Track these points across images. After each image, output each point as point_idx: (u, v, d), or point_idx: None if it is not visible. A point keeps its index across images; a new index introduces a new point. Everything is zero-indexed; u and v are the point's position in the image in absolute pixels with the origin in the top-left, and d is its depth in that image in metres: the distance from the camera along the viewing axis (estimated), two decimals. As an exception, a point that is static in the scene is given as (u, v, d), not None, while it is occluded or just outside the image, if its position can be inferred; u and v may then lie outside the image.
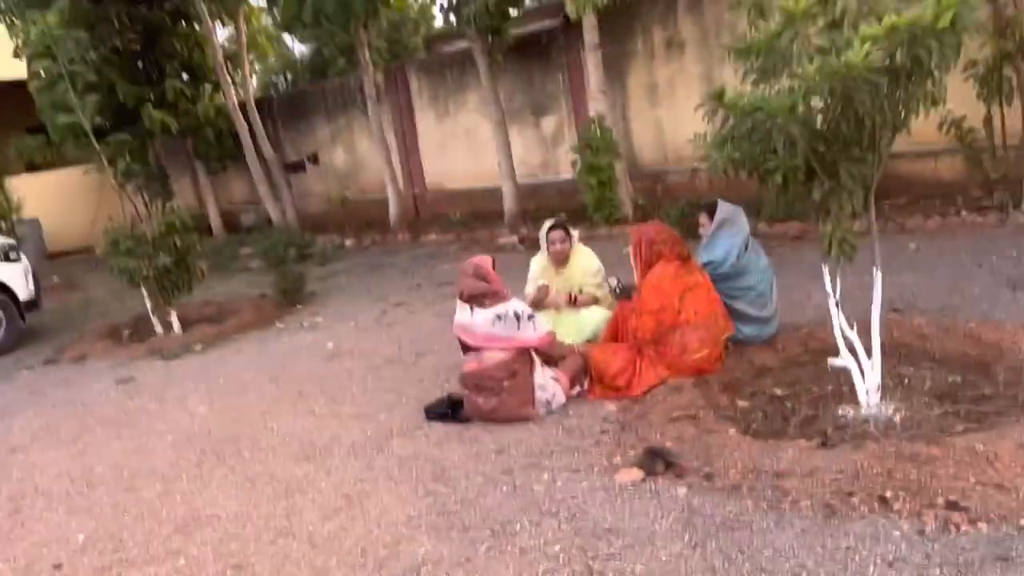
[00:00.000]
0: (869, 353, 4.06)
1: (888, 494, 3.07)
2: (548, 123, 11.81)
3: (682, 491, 3.45)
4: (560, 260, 5.63)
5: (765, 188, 3.94)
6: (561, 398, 4.58)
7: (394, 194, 12.54)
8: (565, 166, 11.35)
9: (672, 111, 10.40)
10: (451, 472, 4.01)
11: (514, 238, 10.27)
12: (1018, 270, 5.88)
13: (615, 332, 5.10)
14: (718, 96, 3.90)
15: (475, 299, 4.57)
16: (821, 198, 3.76)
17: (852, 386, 4.36)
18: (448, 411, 4.73)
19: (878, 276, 4.00)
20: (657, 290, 4.60)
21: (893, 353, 4.47)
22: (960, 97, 7.57)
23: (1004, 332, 4.50)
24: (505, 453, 4.13)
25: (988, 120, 7.30)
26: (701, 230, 5.09)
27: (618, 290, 5.14)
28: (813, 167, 3.70)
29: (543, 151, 11.93)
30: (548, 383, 4.54)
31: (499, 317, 4.49)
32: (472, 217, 12.21)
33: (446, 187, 13.16)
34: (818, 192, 3.73)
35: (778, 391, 4.53)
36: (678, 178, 10.53)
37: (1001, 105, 7.15)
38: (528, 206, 11.29)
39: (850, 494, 3.15)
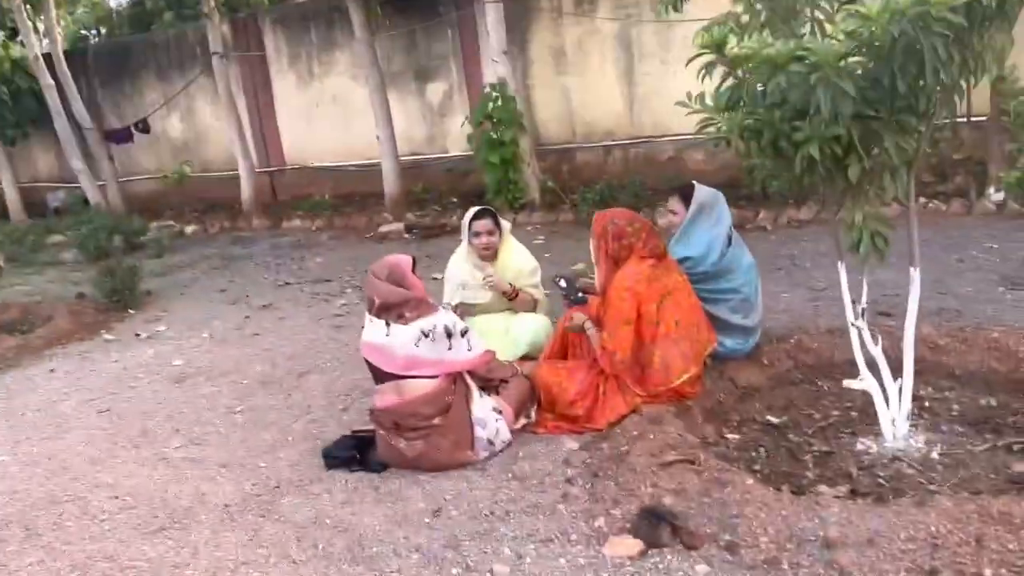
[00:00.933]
0: (892, 373, 3.60)
1: (988, 573, 2.55)
2: (435, 90, 11.04)
3: (701, 570, 2.83)
4: (488, 257, 4.93)
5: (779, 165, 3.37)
6: (506, 435, 3.89)
7: (247, 171, 11.43)
8: (456, 141, 10.68)
9: (582, 78, 9.87)
10: (372, 546, 3.25)
11: (399, 225, 9.48)
12: (1007, 265, 5.65)
13: (562, 346, 4.45)
14: (717, 45, 3.34)
15: (391, 311, 3.80)
16: (859, 178, 3.21)
17: (864, 412, 3.92)
18: (355, 455, 3.94)
19: (916, 276, 3.53)
20: (632, 294, 3.96)
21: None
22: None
23: (1033, 341, 4.15)
24: (443, 515, 3.41)
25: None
26: (670, 219, 4.50)
27: (568, 292, 4.48)
28: (851, 139, 3.15)
29: (429, 123, 11.16)
30: (489, 417, 3.83)
31: (425, 334, 3.74)
32: (344, 200, 11.32)
33: (311, 164, 12.14)
34: (856, 170, 3.18)
35: (772, 419, 4.05)
36: (588, 157, 10.03)
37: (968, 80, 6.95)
38: (412, 187, 10.50)
39: (933, 573, 2.61)
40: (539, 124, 10.21)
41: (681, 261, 4.27)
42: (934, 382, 4.12)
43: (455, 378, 3.83)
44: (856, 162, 3.19)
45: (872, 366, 3.64)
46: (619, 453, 3.62)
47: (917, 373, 4.14)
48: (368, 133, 10.52)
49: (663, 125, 9.51)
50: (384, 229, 9.46)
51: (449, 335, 3.77)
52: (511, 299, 4.91)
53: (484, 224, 4.89)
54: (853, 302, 3.67)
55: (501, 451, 3.86)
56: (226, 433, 4.56)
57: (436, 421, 3.73)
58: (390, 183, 10.22)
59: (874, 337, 3.66)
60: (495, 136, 8.94)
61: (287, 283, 8.07)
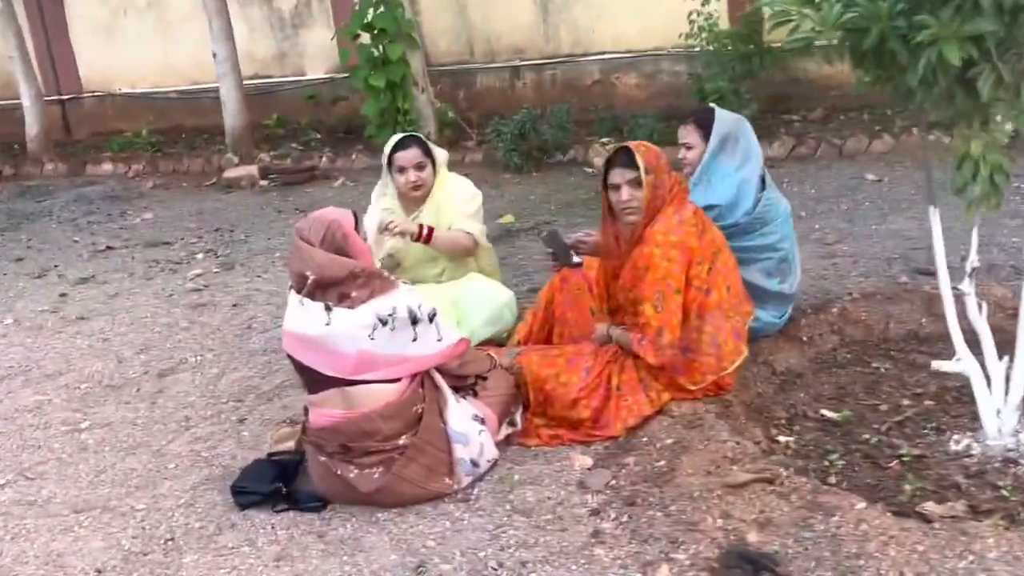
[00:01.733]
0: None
1: None
2: (286, -5, 10.24)
3: (832, 638, 2.45)
4: (417, 199, 4.41)
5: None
6: (492, 451, 3.41)
7: (32, 100, 10.29)
8: (317, 60, 10.03)
9: (481, -18, 9.34)
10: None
11: (251, 169, 8.72)
12: None
13: (545, 322, 3.99)
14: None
15: (332, 290, 3.23)
16: (992, 94, 2.86)
17: (945, 400, 3.66)
18: (280, 488, 3.37)
19: None
20: (683, 251, 3.52)
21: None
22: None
23: None
24: (431, 573, 2.90)
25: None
26: (684, 155, 4.08)
27: (557, 252, 4.01)
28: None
29: (279, 37, 10.36)
30: (471, 429, 3.34)
31: (382, 322, 3.20)
32: (167, 137, 10.40)
33: (117, 90, 11.10)
34: (990, 82, 2.82)
35: (829, 413, 3.71)
36: (491, 80, 9.52)
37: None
38: (263, 120, 9.72)
39: None
40: (427, 39, 9.58)
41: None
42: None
43: (422, 380, 3.31)
44: (990, 71, 2.83)
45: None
46: (658, 471, 3.20)
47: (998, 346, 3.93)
48: (196, 48, 9.73)
49: (586, 41, 9.12)
50: (232, 174, 8.68)
51: (414, 321, 3.24)
52: (424, 241, 4.35)
53: (411, 155, 4.36)
54: (962, 259, 3.35)
55: (485, 473, 3.38)
56: (72, 461, 3.91)
57: (402, 441, 3.21)
58: (232, 114, 9.38)
59: (979, 306, 3.36)
60: (377, 53, 8.29)
61: (109, 247, 7.26)
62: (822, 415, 3.70)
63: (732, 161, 3.95)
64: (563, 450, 3.51)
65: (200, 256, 6.70)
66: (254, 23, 10.23)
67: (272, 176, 8.61)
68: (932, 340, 4.09)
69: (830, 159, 7.15)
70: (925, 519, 2.82)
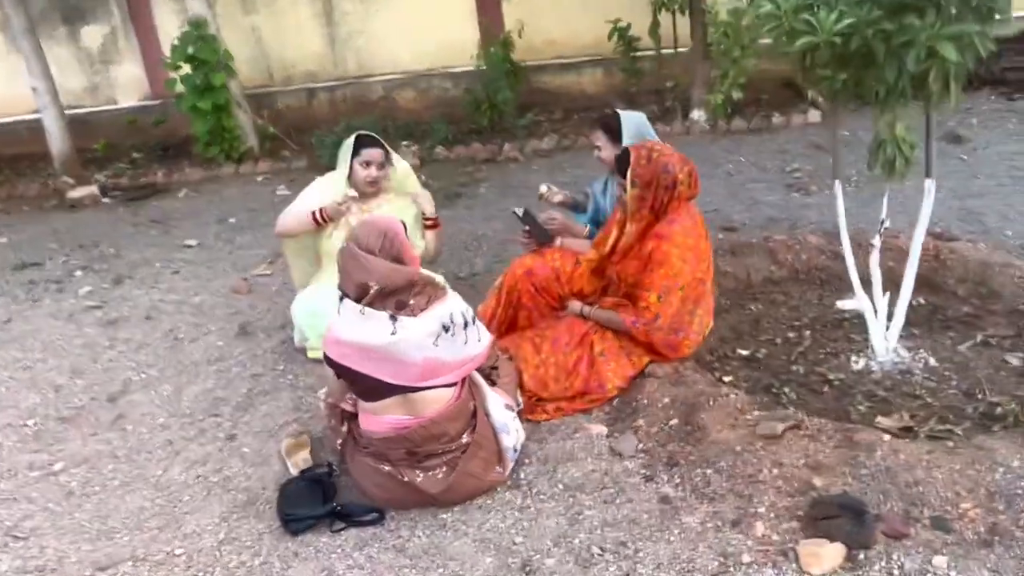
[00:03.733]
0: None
1: None
2: (92, 34, 8.25)
3: (940, 562, 2.00)
4: (369, 195, 3.48)
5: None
6: (522, 435, 2.65)
7: None
8: (126, 91, 8.26)
9: (274, 18, 7.98)
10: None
11: (92, 189, 6.94)
12: (770, 174, 5.46)
13: (508, 305, 3.24)
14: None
15: (390, 299, 2.31)
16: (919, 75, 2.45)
17: (824, 331, 3.36)
18: (336, 507, 2.44)
19: (931, 186, 2.91)
20: (696, 255, 2.89)
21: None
22: (626, 4, 6.98)
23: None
24: (540, 571, 2.15)
25: (655, 27, 6.75)
26: (600, 156, 3.43)
27: (532, 229, 3.27)
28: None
29: (88, 72, 8.36)
30: (507, 418, 2.58)
31: (445, 328, 2.34)
32: (-9, 165, 8.13)
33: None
34: (940, 74, 2.42)
35: (743, 351, 3.28)
36: (290, 100, 8.22)
37: (674, 13, 6.64)
38: (90, 145, 7.83)
39: None
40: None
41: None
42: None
43: (466, 379, 2.49)
44: (940, 64, 2.43)
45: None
46: (687, 431, 2.60)
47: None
48: (5, 84, 7.59)
49: (369, 65, 8.08)
50: (75, 195, 6.85)
51: (465, 324, 2.40)
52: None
53: (378, 154, 3.46)
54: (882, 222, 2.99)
55: (519, 458, 2.63)
56: (63, 510, 2.71)
57: (465, 439, 2.39)
58: (58, 141, 7.40)
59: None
60: (199, 81, 6.81)
61: (-29, 274, 5.42)
62: (739, 353, 3.26)
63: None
64: (569, 421, 2.83)
65: (79, 273, 5.14)
66: (64, 61, 8.16)
67: (114, 194, 6.91)
68: (785, 282, 3.77)
69: (587, 147, 6.69)
70: (937, 439, 2.45)
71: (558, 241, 3.30)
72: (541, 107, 7.77)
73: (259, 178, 6.96)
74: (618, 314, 2.92)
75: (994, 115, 6.10)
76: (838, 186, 2.99)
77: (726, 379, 3.05)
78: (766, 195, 5.11)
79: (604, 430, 2.73)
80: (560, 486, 2.48)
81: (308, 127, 7.85)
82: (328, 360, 2.40)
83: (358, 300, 2.29)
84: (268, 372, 3.51)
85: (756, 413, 2.59)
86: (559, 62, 7.88)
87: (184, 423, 3.15)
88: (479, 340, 2.47)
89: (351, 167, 3.46)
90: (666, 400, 2.76)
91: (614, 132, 3.32)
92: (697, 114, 6.82)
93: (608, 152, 3.36)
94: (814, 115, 6.57)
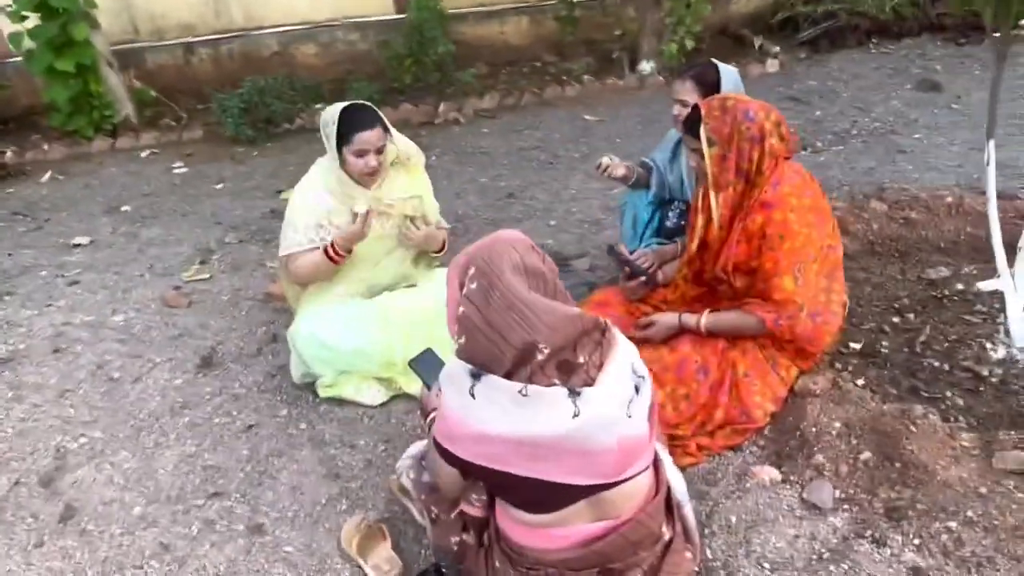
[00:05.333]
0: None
1: None
2: None
3: None
4: (370, 184, 2.64)
5: None
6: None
7: None
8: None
9: (136, -42, 6.62)
10: None
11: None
12: None
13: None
14: None
15: (554, 360, 1.53)
16: None
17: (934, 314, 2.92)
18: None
19: (992, 148, 2.49)
20: (819, 216, 2.28)
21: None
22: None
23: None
24: None
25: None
26: (681, 113, 2.75)
27: (630, 267, 2.55)
28: None
29: None
30: (682, 484, 1.90)
31: (636, 389, 1.61)
32: None
33: None
34: None
35: (856, 345, 2.77)
36: (164, 58, 6.89)
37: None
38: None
39: None
40: (82, 19, 6.65)
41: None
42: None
43: (650, 448, 1.79)
44: None
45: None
46: (895, 469, 2.05)
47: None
48: None
49: (258, 15, 6.90)
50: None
51: (643, 377, 1.68)
52: (438, 251, 2.77)
53: (375, 136, 2.58)
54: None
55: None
56: None
57: (667, 534, 1.70)
58: None
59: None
60: (54, 35, 5.47)
61: None
62: (852, 348, 2.75)
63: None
64: (723, 464, 2.22)
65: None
66: None
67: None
68: (860, 256, 3.29)
69: (535, 106, 6.01)
70: None
71: (660, 275, 2.63)
72: (461, 61, 6.93)
73: (143, 153, 5.74)
74: (750, 312, 2.29)
75: (952, 61, 5.95)
76: (991, 146, 2.51)
77: (858, 382, 2.53)
78: None
79: (777, 474, 2.14)
80: (767, 565, 1.87)
81: (188, 89, 6.67)
82: (455, 461, 1.62)
83: (511, 374, 1.53)
84: (268, 421, 2.65)
85: (965, 435, 2.08)
86: (479, 10, 7.06)
87: (176, 513, 2.25)
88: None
89: (342, 156, 2.60)
90: (839, 426, 2.21)
91: (710, 86, 2.66)
92: (647, 66, 6.27)
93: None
94: (772, 65, 6.18)
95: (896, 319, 2.91)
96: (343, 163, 2.62)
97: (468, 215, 4.22)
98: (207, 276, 3.79)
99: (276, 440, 2.54)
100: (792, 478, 2.12)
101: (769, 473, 2.13)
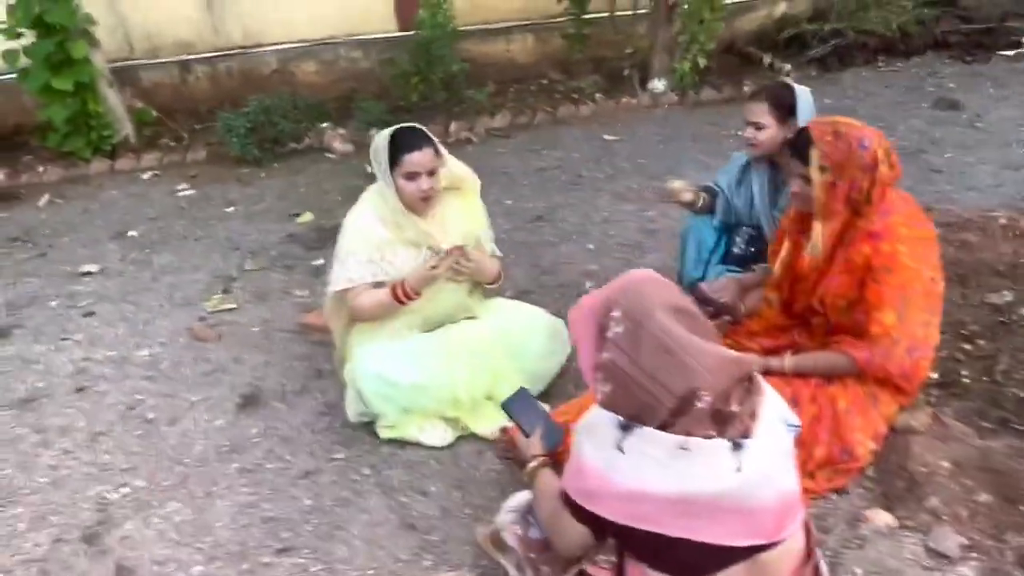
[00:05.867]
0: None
1: None
2: None
3: None
4: (425, 209, 2.53)
5: None
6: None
7: None
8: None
9: (133, -26, 6.42)
10: None
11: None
12: None
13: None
14: None
15: (708, 410, 1.40)
16: None
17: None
18: None
19: None
20: (929, 248, 2.17)
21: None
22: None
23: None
24: None
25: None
26: (755, 136, 2.65)
27: (714, 306, 2.43)
28: None
29: None
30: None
31: (790, 440, 1.48)
32: None
33: None
34: None
35: (933, 375, 2.68)
36: (159, 76, 6.69)
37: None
38: None
39: None
40: (74, 36, 6.44)
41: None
42: None
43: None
44: None
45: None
46: (1004, 511, 1.94)
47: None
48: None
49: (258, 32, 6.73)
50: None
51: (795, 425, 1.56)
52: (494, 281, 2.64)
53: (426, 159, 2.45)
54: None
55: None
56: None
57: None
58: None
59: None
60: (52, 52, 5.27)
61: None
62: (931, 378, 2.66)
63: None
64: (830, 509, 2.09)
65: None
66: None
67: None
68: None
69: (549, 125, 5.91)
70: None
71: (742, 307, 2.51)
72: (466, 79, 6.81)
73: (144, 175, 5.53)
74: (841, 351, 2.18)
75: (964, 79, 5.96)
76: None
77: (943, 415, 2.44)
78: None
79: (891, 519, 2.02)
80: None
81: (184, 109, 6.49)
82: (591, 520, 1.48)
83: (666, 425, 1.38)
84: (326, 466, 2.48)
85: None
86: (484, 28, 6.95)
87: (242, 572, 2.07)
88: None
89: (395, 182, 2.46)
90: (947, 465, 2.11)
91: (786, 108, 2.58)
92: (658, 84, 6.20)
93: (772, 133, 2.61)
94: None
95: (968, 346, 2.84)
96: (397, 190, 2.48)
97: (499, 238, 4.04)
98: (233, 306, 3.61)
99: (339, 487, 2.37)
100: (909, 523, 2.00)
101: (883, 518, 2.02)
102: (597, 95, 6.19)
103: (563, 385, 2.72)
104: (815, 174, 2.08)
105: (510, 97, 6.49)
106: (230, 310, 3.58)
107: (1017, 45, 6.54)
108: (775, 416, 1.46)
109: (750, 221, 2.81)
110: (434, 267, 2.42)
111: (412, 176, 2.43)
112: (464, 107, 6.11)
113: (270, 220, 4.61)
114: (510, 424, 2.10)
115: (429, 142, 2.46)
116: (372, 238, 2.50)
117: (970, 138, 4.84)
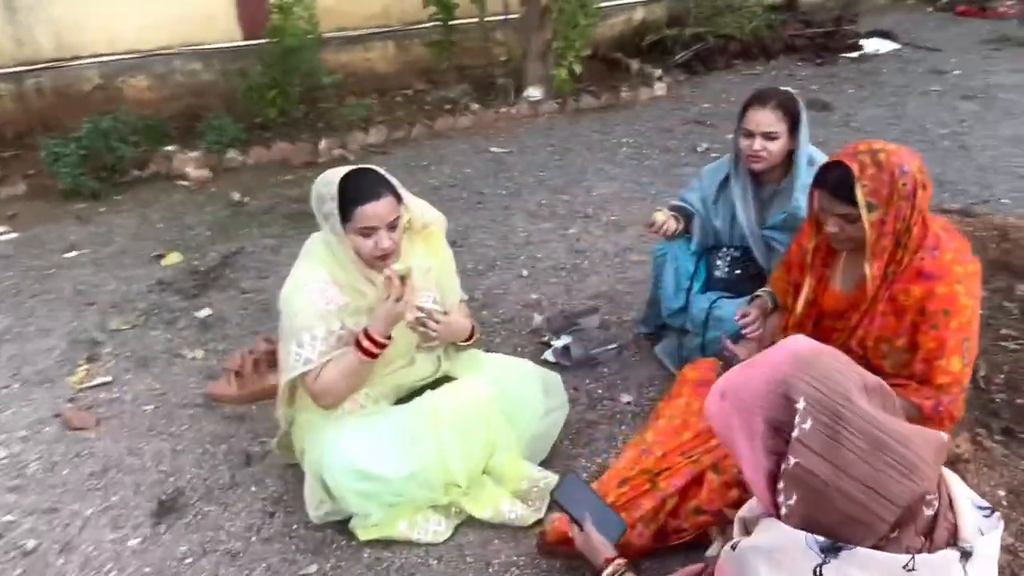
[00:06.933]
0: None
1: None
2: None
3: None
4: (381, 266, 2.06)
5: None
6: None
7: None
8: None
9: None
10: None
11: None
12: (698, 154, 4.85)
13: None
14: None
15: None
16: None
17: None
18: None
19: None
20: (977, 283, 1.98)
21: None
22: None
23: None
24: None
25: (477, -10, 5.75)
26: (761, 146, 2.41)
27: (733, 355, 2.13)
28: None
29: None
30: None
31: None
32: None
33: None
34: None
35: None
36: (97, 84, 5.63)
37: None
38: None
39: None
40: None
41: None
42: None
43: None
44: None
45: None
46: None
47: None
48: None
49: (75, 44, 5.81)
50: None
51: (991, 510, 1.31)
52: (469, 338, 2.25)
53: (382, 209, 1.99)
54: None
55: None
56: None
57: None
58: None
59: None
60: None
61: None
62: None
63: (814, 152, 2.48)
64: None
65: None
66: None
67: None
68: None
69: (428, 138, 5.49)
70: None
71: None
72: (321, 90, 6.25)
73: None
74: (906, 399, 1.98)
75: (822, 80, 6.22)
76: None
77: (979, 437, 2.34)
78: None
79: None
80: None
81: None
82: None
83: (884, 541, 1.08)
84: (292, 585, 1.97)
85: None
86: (340, 35, 6.42)
87: None
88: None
89: (347, 237, 2.01)
90: (1003, 493, 1.98)
91: (793, 117, 2.37)
92: (535, 92, 5.97)
93: (783, 145, 2.39)
94: (660, 88, 6.12)
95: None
96: (355, 247, 2.02)
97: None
98: (107, 379, 2.93)
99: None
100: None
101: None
102: (474, 105, 5.86)
103: (556, 443, 2.37)
104: (865, 213, 1.86)
105: (376, 110, 6.01)
106: (104, 384, 2.91)
107: (858, 47, 6.94)
108: (966, 499, 1.20)
109: (731, 242, 2.60)
110: (398, 298, 1.97)
111: (368, 232, 1.98)
112: (325, 123, 5.57)
113: (128, 265, 3.89)
114: (554, 515, 1.74)
115: (388, 188, 2.01)
116: (330, 307, 2.02)
117: (849, 137, 4.97)
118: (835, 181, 1.89)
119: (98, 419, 2.69)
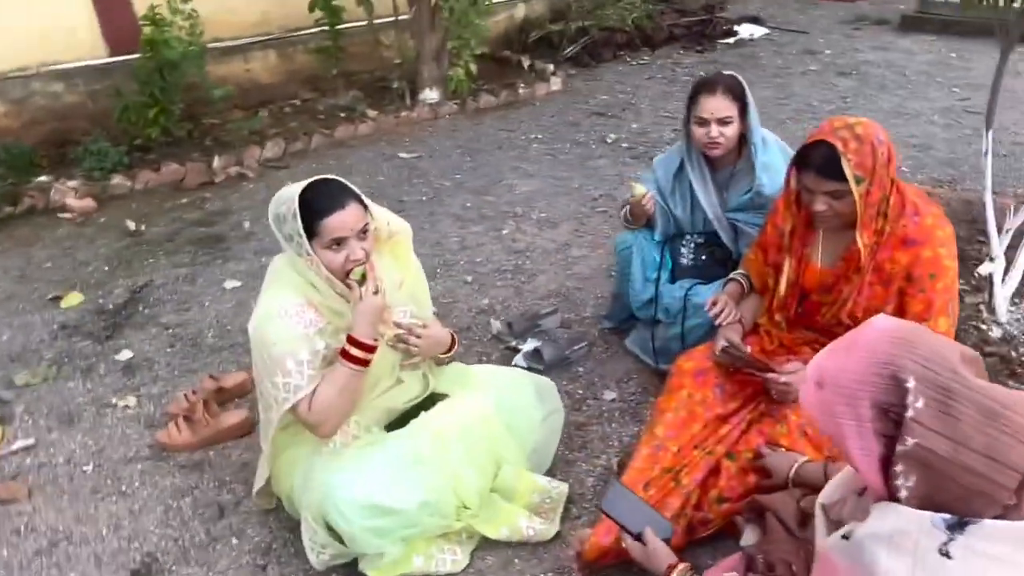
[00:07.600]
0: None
1: None
2: None
3: None
4: (350, 281, 1.93)
5: None
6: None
7: None
8: None
9: None
10: None
11: None
12: (608, 146, 4.89)
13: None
14: None
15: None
16: None
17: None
18: None
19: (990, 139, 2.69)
20: (954, 244, 2.06)
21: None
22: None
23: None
24: None
25: (364, -7, 5.58)
26: (716, 132, 2.42)
27: (742, 364, 2.10)
28: None
29: None
30: None
31: None
32: None
33: None
34: None
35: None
36: None
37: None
38: None
39: None
40: None
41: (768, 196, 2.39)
42: None
43: None
44: None
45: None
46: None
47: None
48: None
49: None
50: None
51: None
52: (449, 350, 2.16)
53: (351, 217, 1.86)
54: None
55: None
56: None
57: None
58: None
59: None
60: None
61: None
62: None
63: (763, 131, 2.51)
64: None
65: None
66: None
67: None
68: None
69: (329, 148, 5.26)
70: None
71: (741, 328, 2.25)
72: (200, 105, 5.87)
73: None
74: None
75: (708, 67, 6.41)
76: (990, 137, 2.58)
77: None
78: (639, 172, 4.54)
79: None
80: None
81: None
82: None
83: (1006, 510, 1.08)
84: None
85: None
86: (216, 46, 6.04)
87: None
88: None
89: (316, 255, 1.88)
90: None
91: (742, 96, 2.40)
92: (432, 94, 5.86)
93: (737, 128, 2.41)
94: (556, 83, 6.15)
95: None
96: (325, 263, 1.88)
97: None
98: (28, 442, 2.62)
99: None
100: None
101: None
102: (370, 112, 5.68)
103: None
104: (854, 186, 1.90)
105: (266, 123, 5.71)
106: (27, 448, 2.59)
107: (733, 33, 7.24)
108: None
109: (692, 229, 2.62)
110: (375, 291, 1.86)
111: (337, 243, 1.85)
112: (221, 139, 5.25)
113: (21, 311, 3.50)
114: (585, 531, 1.67)
115: (351, 195, 1.88)
116: (309, 331, 1.86)
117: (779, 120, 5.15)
118: (821, 160, 1.92)
119: (29, 489, 2.39)
